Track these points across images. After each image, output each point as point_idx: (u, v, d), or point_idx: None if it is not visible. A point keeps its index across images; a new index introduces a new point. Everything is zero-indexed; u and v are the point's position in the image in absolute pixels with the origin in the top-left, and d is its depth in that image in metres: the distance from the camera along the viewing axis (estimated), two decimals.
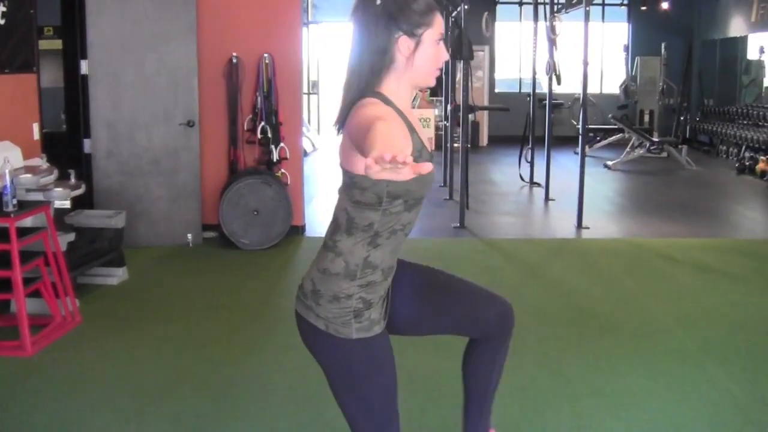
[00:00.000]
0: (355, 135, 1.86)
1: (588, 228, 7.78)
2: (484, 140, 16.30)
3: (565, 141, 14.34)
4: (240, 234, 6.76)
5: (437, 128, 15.67)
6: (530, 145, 10.73)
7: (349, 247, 2.05)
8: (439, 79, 13.18)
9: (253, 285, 5.86)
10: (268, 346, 4.50)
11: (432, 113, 15.58)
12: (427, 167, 1.46)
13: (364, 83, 2.01)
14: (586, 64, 7.85)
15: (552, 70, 9.32)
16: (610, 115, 14.41)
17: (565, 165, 12.06)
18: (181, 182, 6.76)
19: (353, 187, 2.01)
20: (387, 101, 2.01)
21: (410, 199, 2.02)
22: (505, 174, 11.91)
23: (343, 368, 2.10)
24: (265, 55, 6.96)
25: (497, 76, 17.26)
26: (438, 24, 2.03)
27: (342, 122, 2.05)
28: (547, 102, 9.77)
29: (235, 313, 5.15)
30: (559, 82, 9.41)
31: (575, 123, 12.95)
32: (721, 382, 4.02)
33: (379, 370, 2.12)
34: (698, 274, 6.21)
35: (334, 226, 2.10)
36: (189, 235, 6.79)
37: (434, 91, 15.84)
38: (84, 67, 6.63)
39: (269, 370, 4.14)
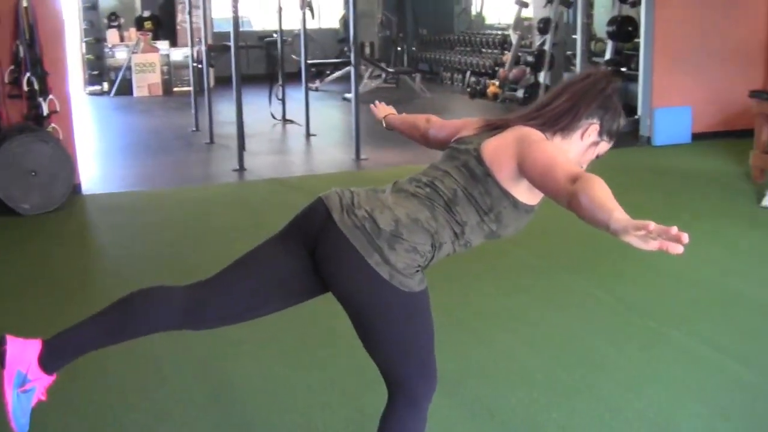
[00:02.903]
0: (535, 151, 1.97)
1: (367, 159, 7.92)
2: (211, 81, 15.84)
3: (291, 77, 14.20)
4: (19, 198, 6.06)
5: (162, 72, 14.99)
6: (280, 83, 10.63)
7: (443, 221, 2.05)
8: (158, 18, 12.57)
9: (57, 253, 5.31)
10: None
11: (156, 57, 14.86)
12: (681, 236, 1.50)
13: (546, 122, 2.12)
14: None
15: (306, 5, 9.28)
16: (345, 49, 14.56)
17: (301, 99, 11.73)
18: None
19: (480, 182, 2.05)
20: None
21: (500, 232, 2.12)
22: (250, 113, 11.64)
23: (398, 319, 2.04)
24: None
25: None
26: (608, 147, 2.19)
27: (499, 125, 2.16)
28: (301, 38, 9.70)
29: (61, 287, 4.56)
30: (313, 16, 9.40)
31: (296, 58, 12.74)
32: (582, 287, 4.38)
33: (430, 319, 2.11)
34: None
35: (433, 191, 2.07)
36: None
37: (156, 35, 15.08)
38: None
39: (163, 351, 3.51)
